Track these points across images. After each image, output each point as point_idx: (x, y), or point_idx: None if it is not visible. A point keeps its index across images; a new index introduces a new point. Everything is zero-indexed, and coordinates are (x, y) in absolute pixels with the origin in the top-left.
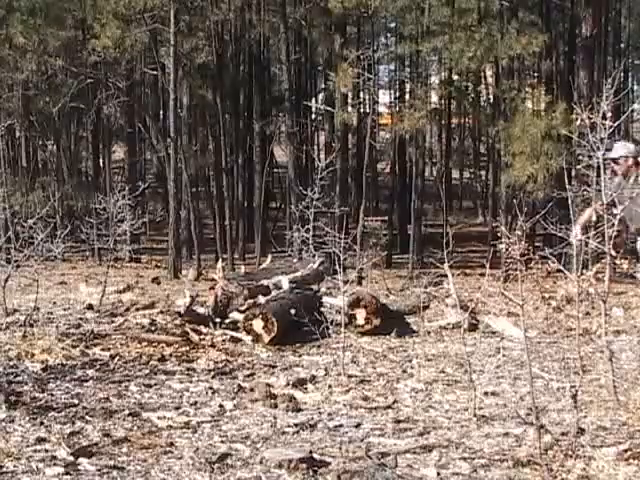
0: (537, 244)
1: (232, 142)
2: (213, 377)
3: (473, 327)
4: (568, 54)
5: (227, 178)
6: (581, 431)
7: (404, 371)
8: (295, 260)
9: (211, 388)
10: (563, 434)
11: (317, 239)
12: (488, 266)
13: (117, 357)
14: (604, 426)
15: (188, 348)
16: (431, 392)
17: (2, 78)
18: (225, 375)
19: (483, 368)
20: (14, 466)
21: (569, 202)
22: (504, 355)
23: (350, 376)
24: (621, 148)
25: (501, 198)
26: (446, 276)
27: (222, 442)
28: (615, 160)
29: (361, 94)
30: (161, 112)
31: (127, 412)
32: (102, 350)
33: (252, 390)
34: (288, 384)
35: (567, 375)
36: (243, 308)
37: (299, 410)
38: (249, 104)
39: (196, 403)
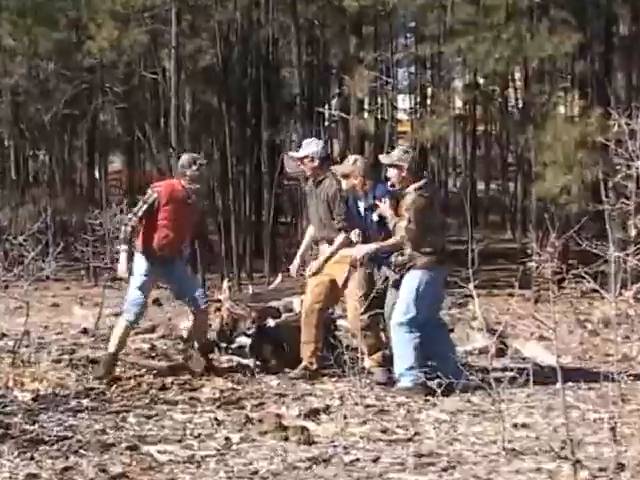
0: (571, 262)
1: (238, 152)
2: (218, 407)
3: (501, 352)
4: (604, 55)
5: (233, 190)
6: (621, 467)
7: (426, 400)
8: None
9: (216, 419)
10: (601, 470)
11: None
12: (517, 286)
13: (114, 385)
14: None
15: (191, 375)
16: (456, 423)
17: None
18: (231, 405)
19: (512, 397)
20: None
21: (605, 216)
22: (535, 383)
23: (367, 406)
24: None
25: (531, 212)
26: (471, 297)
27: (228, 478)
28: None
29: (378, 99)
30: (162, 119)
31: (125, 445)
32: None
33: (261, 421)
34: (300, 415)
35: (605, 405)
36: (251, 332)
37: (312, 443)
38: (257, 110)
39: (200, 435)
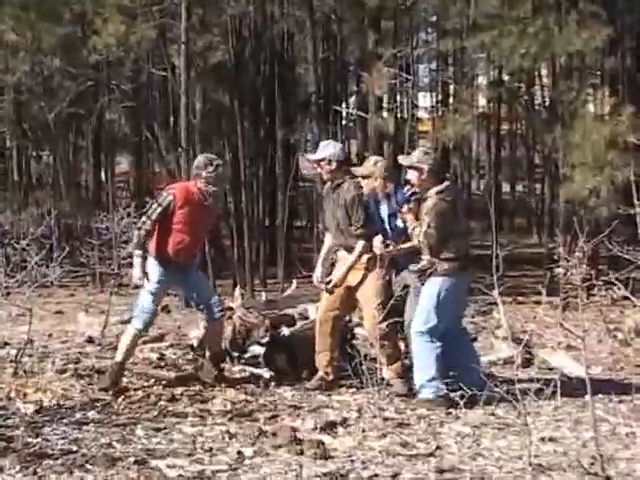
0: (600, 268)
1: (252, 152)
2: (230, 419)
3: (527, 363)
4: (636, 50)
5: (246, 193)
6: None
7: (448, 413)
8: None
9: (228, 432)
10: None
11: None
12: (544, 293)
13: (121, 397)
14: None
15: (202, 386)
16: (479, 437)
17: None
18: (244, 417)
19: (539, 410)
20: None
21: (637, 220)
22: (563, 395)
23: (386, 419)
24: None
25: (559, 215)
26: (496, 304)
27: None
28: None
29: (398, 97)
30: (171, 118)
31: (132, 460)
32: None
33: (275, 434)
34: (316, 428)
35: (637, 418)
36: (264, 341)
37: (328, 457)
38: (271, 109)
39: (211, 449)
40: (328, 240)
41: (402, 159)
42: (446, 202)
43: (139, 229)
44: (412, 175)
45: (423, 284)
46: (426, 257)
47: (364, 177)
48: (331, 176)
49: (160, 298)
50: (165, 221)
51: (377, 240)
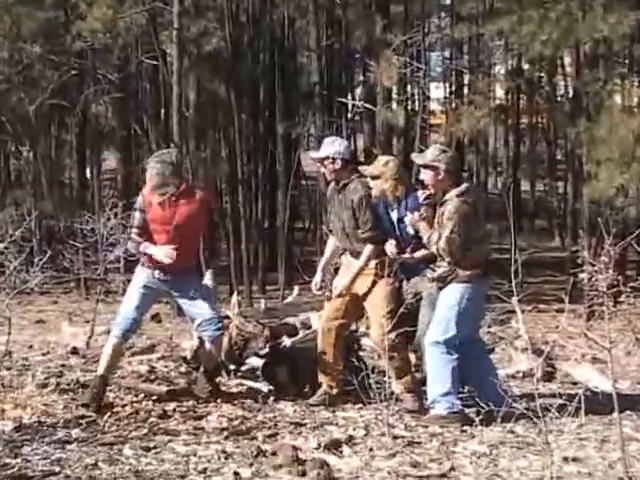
0: (629, 273)
1: (250, 148)
2: (226, 438)
3: (549, 376)
4: None
5: (244, 192)
6: None
7: (463, 431)
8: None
9: (224, 452)
10: None
11: None
12: (567, 300)
13: (108, 413)
14: None
15: (195, 402)
16: (497, 457)
17: None
18: (241, 435)
19: (562, 428)
20: None
21: None
22: (588, 412)
23: (396, 437)
24: None
25: (583, 216)
26: (515, 312)
27: None
28: None
29: (408, 88)
30: (162, 111)
31: None
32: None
33: (274, 454)
34: (319, 447)
35: None
36: (263, 352)
37: (333, 479)
38: (271, 101)
39: (205, 470)
40: (331, 243)
41: (415, 157)
42: (468, 205)
43: (130, 239)
44: (426, 175)
45: (441, 291)
46: (445, 264)
47: (373, 178)
48: (336, 176)
49: (145, 308)
50: (146, 225)
51: (390, 244)
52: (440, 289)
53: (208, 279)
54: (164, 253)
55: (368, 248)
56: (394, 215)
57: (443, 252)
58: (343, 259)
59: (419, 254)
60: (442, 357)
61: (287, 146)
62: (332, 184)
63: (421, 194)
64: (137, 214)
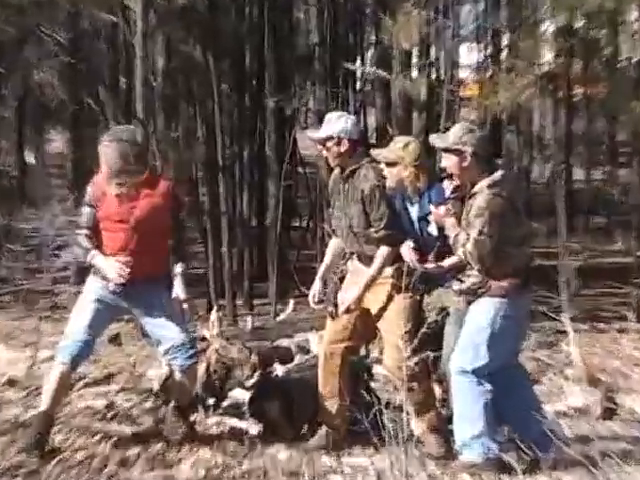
0: None
1: (233, 126)
2: None
3: (610, 413)
4: None
5: (225, 181)
6: None
7: None
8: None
9: None
10: None
11: None
12: (632, 318)
13: (54, 460)
14: None
15: (165, 445)
16: None
17: None
18: None
19: (626, 478)
20: None
21: None
22: None
23: None
24: None
25: None
26: (565, 333)
27: None
28: None
29: (432, 51)
30: (122, 80)
31: None
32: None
33: None
34: None
35: None
36: (250, 383)
37: None
38: (259, 67)
39: None
40: (333, 245)
41: (435, 139)
42: (502, 198)
43: (77, 244)
44: (449, 161)
45: (470, 307)
46: (475, 272)
47: (389, 164)
48: (341, 161)
49: (99, 324)
50: (97, 224)
51: (407, 246)
52: (469, 304)
53: (178, 289)
54: (114, 269)
55: (382, 251)
56: (414, 211)
57: (471, 258)
58: (349, 265)
59: (447, 262)
60: (472, 389)
61: (280, 124)
62: (336, 171)
63: (448, 185)
64: (86, 210)
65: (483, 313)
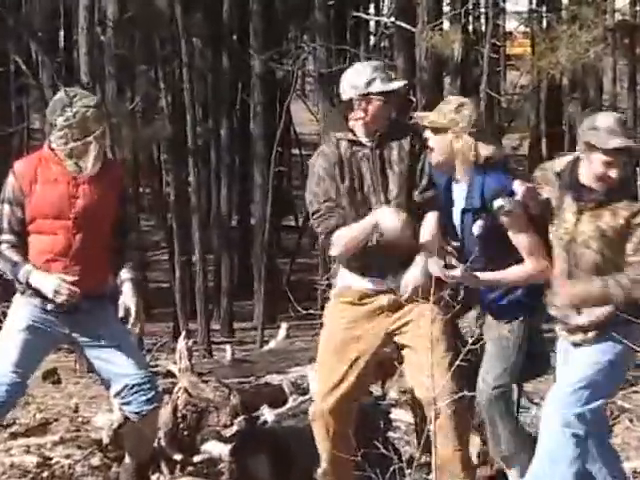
0: None
1: (207, 95)
2: None
3: None
4: None
5: (197, 169)
6: None
7: None
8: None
9: None
10: None
11: None
12: None
13: None
14: None
15: None
16: None
17: None
18: None
19: None
20: None
21: None
22: None
23: None
24: None
25: None
26: None
27: None
28: None
29: None
30: (61, 34)
31: None
32: None
33: None
34: None
35: None
36: (230, 433)
37: None
38: (242, 18)
39: None
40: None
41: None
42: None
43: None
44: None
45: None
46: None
47: (435, 130)
48: (376, 123)
49: (31, 359)
50: (25, 227)
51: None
52: (579, 345)
53: (129, 300)
54: (61, 288)
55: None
56: (460, 200)
57: (560, 274)
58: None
59: (496, 276)
60: (572, 448)
61: (269, 91)
62: (364, 139)
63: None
64: (6, 209)
65: (597, 356)
